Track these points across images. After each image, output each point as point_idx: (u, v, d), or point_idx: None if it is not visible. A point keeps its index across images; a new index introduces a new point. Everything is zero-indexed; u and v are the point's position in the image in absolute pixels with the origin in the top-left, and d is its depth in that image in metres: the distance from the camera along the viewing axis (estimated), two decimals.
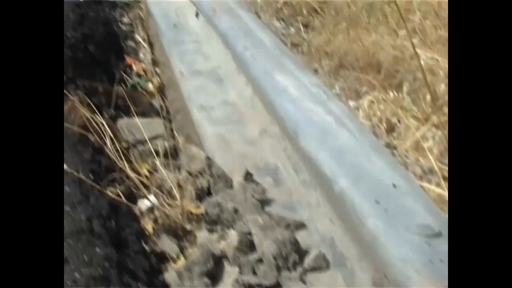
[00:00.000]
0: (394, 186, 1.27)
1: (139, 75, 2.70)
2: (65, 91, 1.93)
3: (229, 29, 2.18)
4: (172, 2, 3.09)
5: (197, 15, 2.72)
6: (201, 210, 1.55)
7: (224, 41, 2.25)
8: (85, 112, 1.78)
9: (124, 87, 2.52)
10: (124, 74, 2.62)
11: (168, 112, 2.47)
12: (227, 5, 2.37)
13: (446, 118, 1.90)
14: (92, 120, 1.75)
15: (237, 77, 2.15)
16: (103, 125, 1.73)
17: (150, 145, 1.92)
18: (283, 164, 1.67)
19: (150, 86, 2.62)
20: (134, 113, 2.12)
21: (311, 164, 1.46)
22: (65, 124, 1.70)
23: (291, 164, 1.63)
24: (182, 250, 1.48)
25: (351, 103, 2.54)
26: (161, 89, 2.62)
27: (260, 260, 1.33)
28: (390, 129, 2.17)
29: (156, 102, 2.51)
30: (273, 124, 1.80)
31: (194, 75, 2.38)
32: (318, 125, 1.54)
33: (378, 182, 1.29)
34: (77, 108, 1.81)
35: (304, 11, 3.35)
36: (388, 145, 2.04)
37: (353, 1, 2.95)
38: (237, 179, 1.60)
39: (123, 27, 3.18)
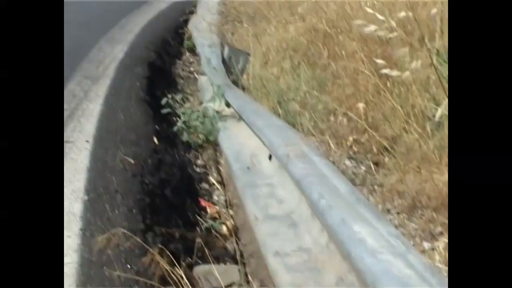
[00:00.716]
0: None
1: (213, 218, 2.82)
2: (143, 243, 2.07)
3: (303, 176, 2.28)
4: (245, 144, 3.27)
5: (270, 158, 2.87)
6: None
7: (298, 186, 2.34)
8: (165, 265, 1.87)
9: (199, 230, 2.64)
10: (198, 218, 2.76)
11: (242, 255, 2.54)
12: (301, 150, 2.49)
13: None
14: (171, 272, 1.85)
15: (311, 222, 2.21)
16: (182, 277, 1.81)
17: None
18: None
19: (224, 229, 2.72)
20: (210, 259, 2.21)
21: None
22: (144, 279, 1.80)
23: None
24: None
25: (426, 244, 2.54)
26: (235, 232, 2.71)
27: None
28: None
29: (231, 245, 2.60)
30: (350, 273, 1.82)
31: (268, 219, 2.46)
32: (397, 279, 1.56)
33: None
34: (156, 261, 1.91)
35: (374, 149, 3.45)
36: None
37: (424, 140, 3.02)
38: None
39: (197, 169, 3.37)
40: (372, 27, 2.65)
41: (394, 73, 2.82)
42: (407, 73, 2.76)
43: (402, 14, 2.75)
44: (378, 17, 2.70)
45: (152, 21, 6.77)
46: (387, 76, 3.16)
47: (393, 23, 2.65)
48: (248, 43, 5.32)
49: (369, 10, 2.75)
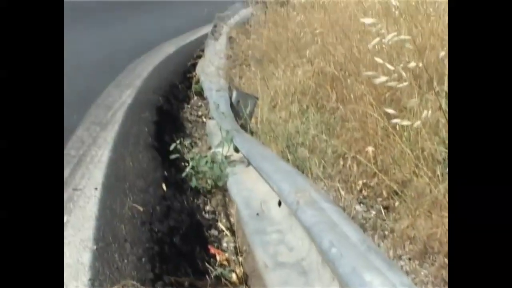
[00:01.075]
0: None
1: (222, 265, 2.83)
2: None
3: (313, 223, 2.30)
4: (254, 189, 3.30)
5: (279, 204, 2.89)
6: None
7: (308, 234, 2.36)
8: None
9: (209, 279, 2.64)
10: (208, 265, 2.77)
11: None
12: (311, 197, 2.51)
13: None
14: None
15: (322, 271, 2.22)
16: None
17: None
18: None
19: (234, 276, 2.73)
20: None
21: None
22: None
23: None
24: None
25: None
26: (245, 280, 2.72)
27: None
28: None
29: None
30: None
31: (278, 266, 2.47)
32: None
33: None
34: None
35: (384, 193, 3.46)
36: None
37: (435, 184, 3.04)
38: None
39: (206, 216, 3.39)
40: (383, 78, 2.71)
41: (405, 122, 2.87)
42: (417, 123, 2.81)
43: (412, 64, 2.81)
44: (388, 66, 2.76)
45: (160, 65, 6.90)
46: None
47: (403, 73, 2.70)
48: (256, 86, 5.40)
49: (379, 60, 2.81)
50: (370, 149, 3.56)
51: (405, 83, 2.70)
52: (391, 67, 2.75)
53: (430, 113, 2.79)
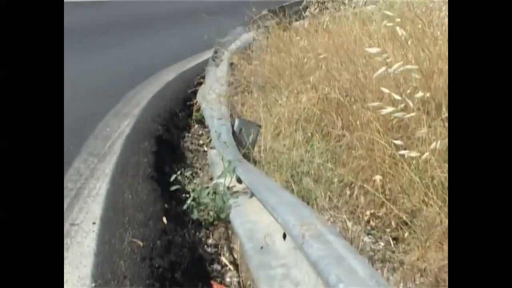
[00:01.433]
0: None
1: None
2: None
3: (319, 257, 2.31)
4: (258, 221, 3.32)
5: (284, 237, 2.90)
6: None
7: (315, 268, 2.37)
8: None
9: None
10: None
11: None
12: (316, 229, 2.53)
13: None
14: None
15: None
16: None
17: None
18: None
19: None
20: None
21: None
22: None
23: None
24: None
25: None
26: None
27: None
28: None
29: None
30: None
31: None
32: None
33: None
34: None
35: (393, 224, 3.48)
36: None
37: (446, 214, 3.06)
38: None
39: (209, 249, 3.41)
40: (389, 109, 2.76)
41: (413, 154, 2.91)
42: (426, 154, 2.85)
43: (419, 94, 2.86)
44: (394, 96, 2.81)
45: (159, 93, 6.96)
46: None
47: (410, 103, 2.75)
48: (258, 114, 5.45)
49: (385, 90, 2.86)
50: (377, 177, 3.59)
51: (412, 114, 2.75)
52: (397, 97, 2.79)
53: (438, 144, 2.82)
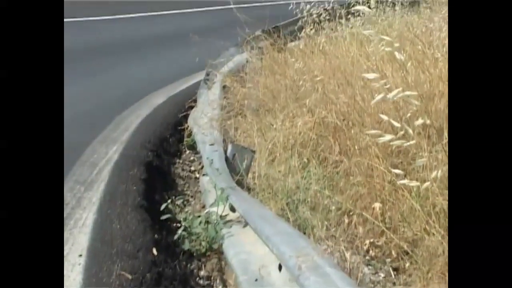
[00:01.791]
0: None
1: None
2: None
3: None
4: (252, 252, 3.32)
5: (280, 268, 2.91)
6: None
7: None
8: None
9: None
10: None
11: None
12: (313, 261, 2.54)
13: None
14: None
15: None
16: None
17: None
18: None
19: None
20: None
21: None
22: None
23: None
24: None
25: None
26: None
27: None
28: None
29: None
30: None
31: None
32: None
33: None
34: None
35: (394, 253, 3.49)
36: None
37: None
38: None
39: (201, 282, 3.41)
40: (387, 137, 2.79)
41: (413, 183, 2.94)
42: (427, 184, 2.87)
43: (419, 121, 2.89)
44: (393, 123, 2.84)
45: (148, 117, 6.98)
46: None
47: (409, 130, 2.78)
48: (252, 139, 5.47)
49: (384, 117, 2.89)
50: (377, 205, 3.60)
51: (412, 142, 2.77)
52: (397, 124, 2.82)
53: (440, 173, 2.85)
